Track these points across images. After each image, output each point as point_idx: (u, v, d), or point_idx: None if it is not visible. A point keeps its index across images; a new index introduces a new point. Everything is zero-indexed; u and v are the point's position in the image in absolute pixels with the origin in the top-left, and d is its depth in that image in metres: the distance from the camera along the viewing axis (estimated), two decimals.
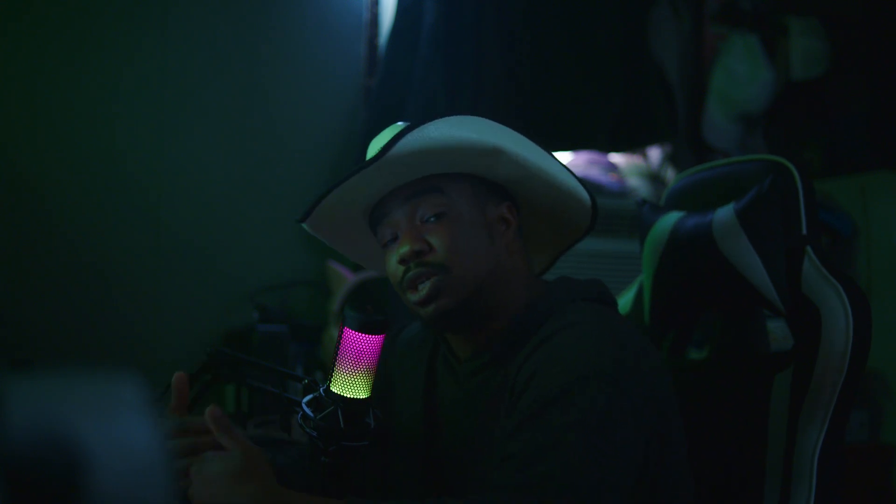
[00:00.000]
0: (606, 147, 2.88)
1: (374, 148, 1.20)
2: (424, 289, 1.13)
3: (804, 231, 1.26)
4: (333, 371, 1.10)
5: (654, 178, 2.99)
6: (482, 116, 1.17)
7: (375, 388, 1.12)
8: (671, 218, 1.40)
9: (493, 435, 1.11)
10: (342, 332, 1.09)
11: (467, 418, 1.18)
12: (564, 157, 2.83)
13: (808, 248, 1.25)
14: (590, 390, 1.02)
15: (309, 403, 1.10)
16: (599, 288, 1.21)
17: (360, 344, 1.08)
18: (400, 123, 1.19)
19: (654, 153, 3.02)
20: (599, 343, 1.06)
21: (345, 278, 2.43)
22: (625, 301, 1.52)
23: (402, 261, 1.14)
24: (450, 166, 1.15)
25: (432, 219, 1.14)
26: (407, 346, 1.35)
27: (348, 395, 1.09)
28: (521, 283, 1.19)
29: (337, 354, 1.09)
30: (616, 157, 2.97)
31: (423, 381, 1.28)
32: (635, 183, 2.95)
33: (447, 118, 1.11)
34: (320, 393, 1.10)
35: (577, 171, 2.80)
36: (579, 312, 1.12)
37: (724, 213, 1.30)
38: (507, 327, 1.16)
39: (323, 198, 1.16)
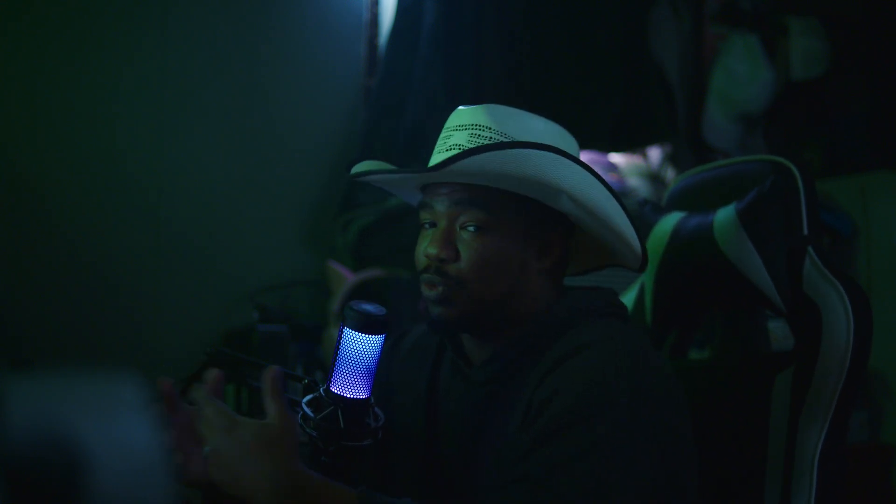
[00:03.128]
0: (606, 147, 2.88)
1: (452, 119, 1.18)
2: (437, 291, 1.15)
3: (805, 231, 1.26)
4: (333, 371, 1.10)
5: (654, 178, 2.99)
6: None
7: (375, 390, 1.12)
8: (673, 218, 1.40)
9: (500, 444, 1.11)
10: (342, 331, 1.09)
11: (474, 425, 1.17)
12: None
13: (810, 248, 1.25)
14: (606, 416, 1.02)
15: (309, 403, 1.10)
16: (614, 300, 1.21)
17: (360, 344, 1.08)
18: (487, 107, 1.17)
19: (654, 153, 3.02)
20: (618, 367, 1.05)
21: (345, 278, 2.43)
22: (626, 302, 1.52)
23: (426, 255, 1.15)
24: (501, 186, 1.13)
25: (471, 228, 1.14)
26: (410, 350, 1.34)
27: (348, 396, 1.08)
28: (541, 297, 1.18)
29: (337, 354, 1.09)
30: (616, 157, 2.97)
31: (426, 385, 1.27)
32: (635, 183, 2.95)
33: (519, 150, 1.07)
34: (320, 393, 1.10)
35: None
36: (597, 331, 1.12)
37: (726, 214, 1.29)
38: (522, 337, 1.15)
39: (371, 174, 1.18)
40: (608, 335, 1.10)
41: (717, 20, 3.08)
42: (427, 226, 1.19)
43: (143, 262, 2.43)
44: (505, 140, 1.13)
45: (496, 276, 1.14)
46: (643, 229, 1.46)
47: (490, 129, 1.14)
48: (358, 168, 1.20)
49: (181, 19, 2.51)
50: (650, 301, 1.45)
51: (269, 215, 2.57)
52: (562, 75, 2.75)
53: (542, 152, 1.09)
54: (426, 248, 1.15)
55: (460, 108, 1.19)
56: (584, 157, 2.94)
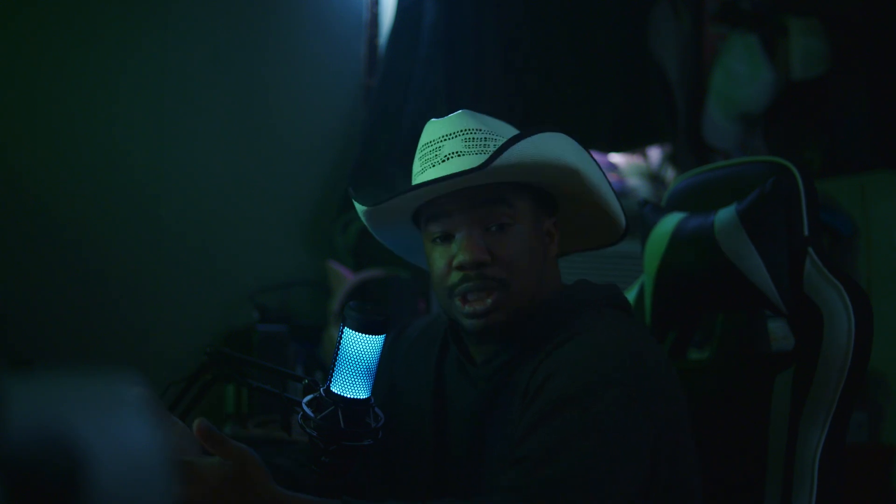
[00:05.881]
0: (606, 147, 2.88)
1: (429, 133, 1.16)
2: (481, 304, 1.12)
3: (806, 232, 1.26)
4: (333, 371, 1.09)
5: (654, 178, 2.99)
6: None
7: (377, 389, 1.12)
8: (673, 219, 1.40)
9: (505, 437, 1.11)
10: (342, 331, 1.09)
11: (480, 421, 1.17)
12: None
13: (810, 249, 1.25)
14: (603, 395, 1.02)
15: (309, 403, 1.10)
16: (615, 292, 1.21)
17: (360, 344, 1.08)
18: (464, 113, 1.16)
19: (654, 153, 3.02)
20: (615, 349, 1.06)
21: (345, 278, 2.43)
22: None
23: (460, 267, 1.12)
24: (523, 178, 1.13)
25: (495, 228, 1.12)
26: (413, 345, 1.34)
27: (348, 395, 1.08)
28: (549, 288, 1.18)
29: (337, 354, 1.09)
30: (616, 157, 2.97)
31: (433, 382, 1.27)
32: (635, 183, 2.95)
33: (538, 135, 1.08)
34: (320, 393, 1.10)
35: None
36: (596, 318, 1.12)
37: (727, 214, 1.29)
38: (526, 331, 1.15)
39: (402, 194, 1.13)
40: (606, 322, 1.11)
41: (717, 20, 3.08)
42: (439, 240, 1.15)
43: (143, 262, 2.43)
44: (497, 139, 1.13)
45: (530, 268, 1.14)
46: (643, 230, 1.47)
47: (480, 130, 1.14)
48: (369, 203, 1.16)
49: (181, 19, 2.51)
50: (650, 301, 1.45)
51: (269, 215, 2.57)
52: (562, 75, 2.75)
53: (561, 135, 1.11)
54: (458, 259, 1.11)
55: (432, 120, 1.18)
56: None
